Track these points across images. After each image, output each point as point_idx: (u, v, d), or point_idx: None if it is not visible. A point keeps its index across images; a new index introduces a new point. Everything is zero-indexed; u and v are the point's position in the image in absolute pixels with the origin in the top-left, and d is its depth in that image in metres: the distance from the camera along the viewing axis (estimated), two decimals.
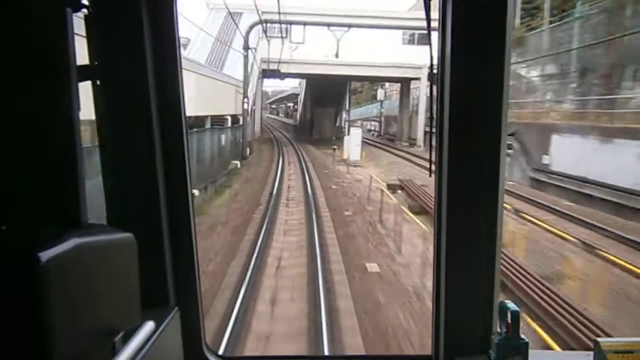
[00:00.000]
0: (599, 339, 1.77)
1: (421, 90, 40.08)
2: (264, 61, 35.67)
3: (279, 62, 36.50)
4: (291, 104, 77.58)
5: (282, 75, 45.46)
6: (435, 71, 1.89)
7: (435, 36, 1.85)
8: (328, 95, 49.82)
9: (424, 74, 36.50)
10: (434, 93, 1.94)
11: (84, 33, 1.55)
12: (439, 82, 1.87)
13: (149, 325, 1.49)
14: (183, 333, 1.92)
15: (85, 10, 1.54)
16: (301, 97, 60.59)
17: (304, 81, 55.46)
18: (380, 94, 54.61)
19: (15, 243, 1.05)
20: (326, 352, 7.11)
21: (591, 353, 1.77)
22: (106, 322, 1.23)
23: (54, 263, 0.99)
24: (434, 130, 1.94)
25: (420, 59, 34.01)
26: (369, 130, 56.59)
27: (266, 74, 40.22)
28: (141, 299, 1.37)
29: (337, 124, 54.26)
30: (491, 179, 1.85)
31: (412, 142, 40.86)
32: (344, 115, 55.17)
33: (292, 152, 36.95)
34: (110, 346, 1.25)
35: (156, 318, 1.57)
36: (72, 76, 1.25)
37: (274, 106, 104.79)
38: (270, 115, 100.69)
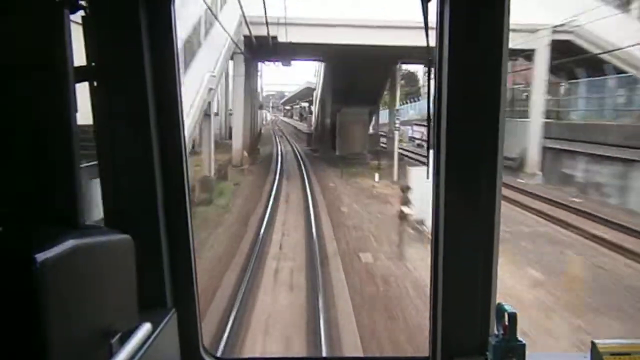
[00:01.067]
0: (595, 340, 1.75)
1: (537, 70, 22.08)
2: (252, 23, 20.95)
3: (268, 23, 19.38)
4: (306, 104, 59.49)
5: (285, 59, 27.98)
6: (433, 69, 1.88)
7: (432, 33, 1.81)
8: (359, 86, 30.93)
9: (542, 44, 19.80)
10: (431, 91, 1.92)
11: (81, 34, 1.56)
12: (436, 80, 1.88)
13: (146, 327, 1.48)
14: (180, 334, 1.95)
15: (82, 11, 1.54)
16: (317, 92, 40.46)
17: (322, 68, 37.02)
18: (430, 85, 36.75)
19: (12, 244, 1.05)
20: None
21: (588, 355, 1.78)
22: (103, 324, 1.25)
23: (51, 264, 1.00)
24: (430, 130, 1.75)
25: (535, 15, 18.92)
26: (411, 139, 38.47)
27: (257, 52, 23.93)
28: (138, 301, 1.40)
29: (373, 130, 35.95)
30: (490, 180, 1.87)
31: (509, 166, 21.95)
32: (380, 117, 37.16)
33: (295, 200, 18.78)
34: (107, 347, 1.25)
35: (153, 319, 1.57)
36: (69, 77, 1.25)
37: (287, 107, 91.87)
38: (284, 119, 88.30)
